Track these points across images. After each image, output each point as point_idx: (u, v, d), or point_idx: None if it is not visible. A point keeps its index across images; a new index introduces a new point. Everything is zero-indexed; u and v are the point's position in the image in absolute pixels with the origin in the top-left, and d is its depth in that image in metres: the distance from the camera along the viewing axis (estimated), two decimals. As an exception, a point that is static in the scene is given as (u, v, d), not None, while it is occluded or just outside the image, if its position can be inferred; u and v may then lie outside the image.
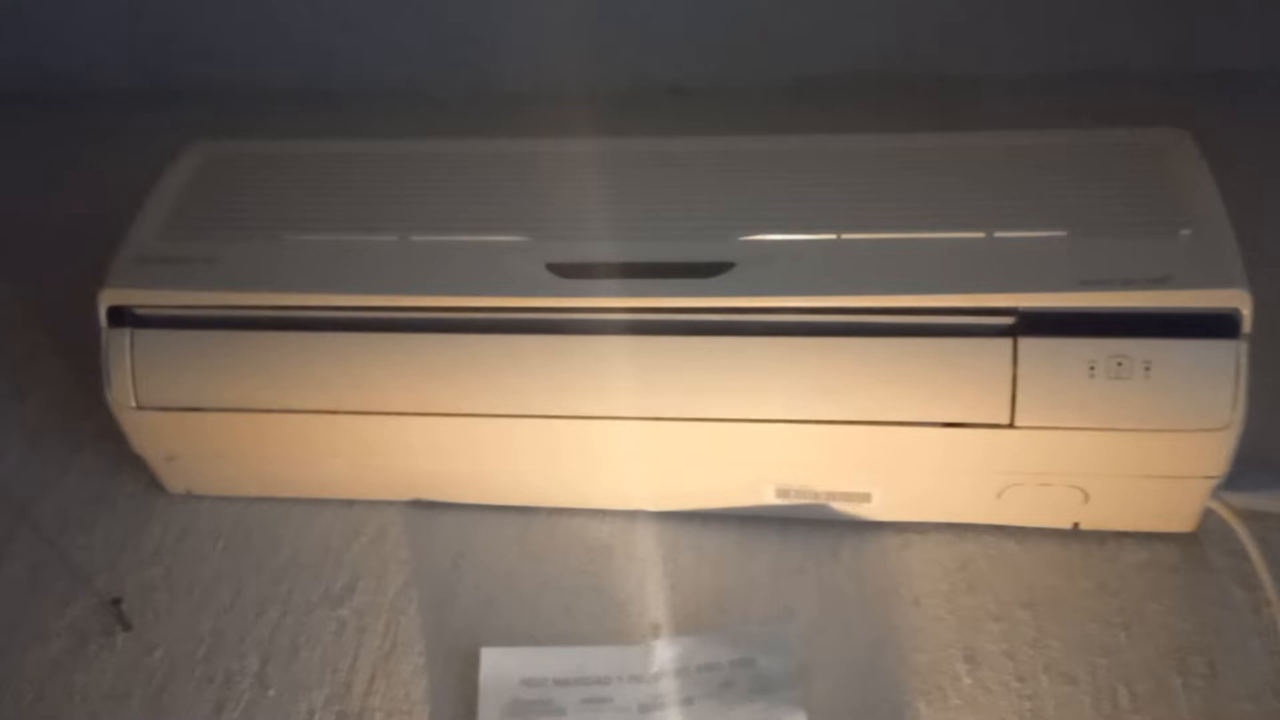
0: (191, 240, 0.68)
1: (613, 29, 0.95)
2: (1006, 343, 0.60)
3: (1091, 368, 0.59)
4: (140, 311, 0.66)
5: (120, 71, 1.05)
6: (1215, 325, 0.59)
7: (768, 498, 0.68)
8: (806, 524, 0.69)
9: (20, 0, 1.01)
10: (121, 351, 0.66)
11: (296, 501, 0.74)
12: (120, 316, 0.66)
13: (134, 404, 0.67)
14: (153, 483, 0.75)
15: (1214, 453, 0.61)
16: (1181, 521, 0.66)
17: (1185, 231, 0.61)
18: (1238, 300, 0.58)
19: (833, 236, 0.64)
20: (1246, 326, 0.59)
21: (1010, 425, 0.61)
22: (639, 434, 0.64)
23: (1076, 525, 0.67)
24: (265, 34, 1.01)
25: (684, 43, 0.96)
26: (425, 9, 0.97)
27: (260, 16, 1.00)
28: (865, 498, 0.67)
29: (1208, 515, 0.66)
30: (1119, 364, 0.59)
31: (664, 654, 0.64)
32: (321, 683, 0.65)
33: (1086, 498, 0.65)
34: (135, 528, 0.73)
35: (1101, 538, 0.68)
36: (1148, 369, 0.59)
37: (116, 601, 0.69)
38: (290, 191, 0.71)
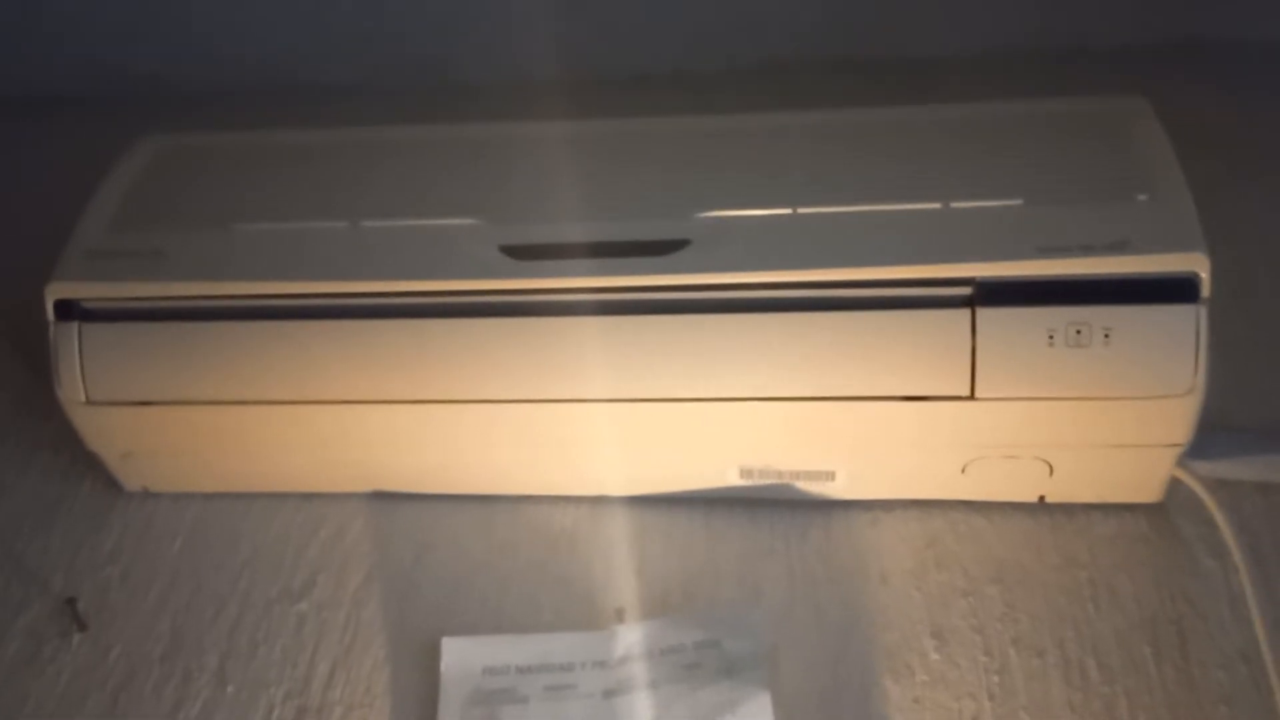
0: (140, 233, 0.67)
1: (573, 18, 0.94)
2: (965, 313, 0.59)
3: (1050, 336, 0.59)
4: (88, 305, 0.65)
5: (77, 75, 1.03)
6: (1175, 290, 0.58)
7: (732, 479, 0.67)
8: (774, 505, 0.69)
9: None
10: (69, 346, 0.65)
11: (255, 497, 0.73)
12: (68, 310, 0.65)
13: (84, 399, 0.66)
14: (111, 482, 0.74)
15: (1177, 420, 0.60)
16: (1148, 491, 0.66)
17: (1142, 196, 0.61)
18: (1196, 264, 0.58)
19: (788, 211, 0.63)
20: (1206, 290, 0.58)
21: (971, 397, 0.60)
22: (598, 415, 0.63)
23: (1043, 498, 0.67)
24: (223, 33, 1.00)
25: (645, 30, 0.96)
26: (383, 2, 0.96)
27: (218, 16, 0.99)
28: (830, 476, 0.67)
29: (1174, 485, 0.65)
30: (1078, 332, 0.58)
31: (628, 638, 0.63)
32: (281, 678, 0.64)
33: (1051, 470, 0.64)
34: (92, 528, 0.72)
35: (1069, 510, 0.67)
36: (1107, 336, 0.58)
37: (71, 601, 0.68)
38: (240, 182, 0.70)
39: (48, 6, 0.98)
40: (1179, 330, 0.58)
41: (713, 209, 0.64)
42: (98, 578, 0.70)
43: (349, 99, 0.95)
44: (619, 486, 0.70)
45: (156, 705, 0.64)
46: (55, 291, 0.65)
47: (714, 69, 0.96)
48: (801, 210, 0.63)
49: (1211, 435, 0.63)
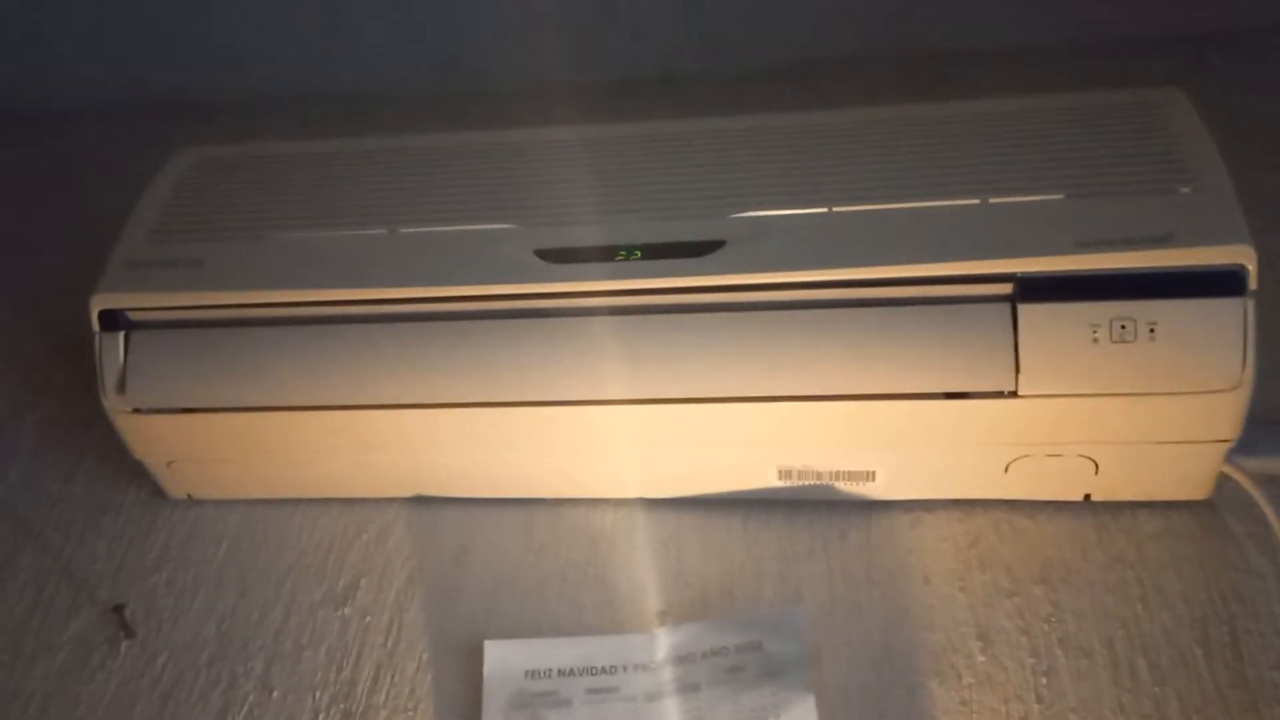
0: (182, 242, 0.68)
1: (599, 19, 0.95)
2: (1006, 309, 0.59)
3: (1095, 331, 0.58)
4: (132, 314, 0.66)
5: (113, 88, 1.05)
6: (1221, 283, 0.57)
7: (770, 480, 0.67)
8: (813, 506, 0.68)
9: (13, 22, 1.01)
10: (114, 355, 0.66)
11: (298, 503, 0.73)
12: (113, 320, 0.66)
13: (129, 408, 0.67)
14: (155, 490, 0.75)
15: (1225, 415, 0.59)
16: (1195, 488, 0.65)
17: (1185, 189, 0.60)
18: (1243, 256, 0.57)
19: (824, 210, 0.63)
20: (1253, 283, 0.57)
21: (1014, 394, 0.59)
22: (637, 417, 0.63)
23: (1088, 497, 0.66)
24: (254, 44, 1.01)
25: (673, 30, 0.96)
26: (410, 10, 0.97)
27: (247, 27, 1.00)
28: (869, 476, 0.66)
29: (1222, 481, 0.64)
30: (1123, 326, 0.58)
31: (669, 641, 0.63)
32: (326, 682, 0.65)
33: (1096, 468, 0.63)
34: (138, 535, 0.73)
35: (1114, 509, 0.66)
36: (1153, 330, 0.57)
37: (119, 608, 0.68)
38: (278, 191, 0.71)
39: (78, 22, 1.00)
40: (1226, 324, 0.57)
41: (747, 209, 0.64)
42: (144, 585, 0.71)
43: (376, 107, 0.96)
44: (656, 489, 0.70)
45: (204, 710, 0.64)
46: (100, 302, 0.66)
47: (741, 69, 0.96)
48: (837, 209, 0.63)
49: (1260, 430, 0.61)
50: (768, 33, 0.95)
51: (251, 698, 0.64)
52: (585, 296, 0.62)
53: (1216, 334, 0.57)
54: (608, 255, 0.63)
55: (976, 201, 0.61)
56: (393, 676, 0.64)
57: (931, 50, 0.93)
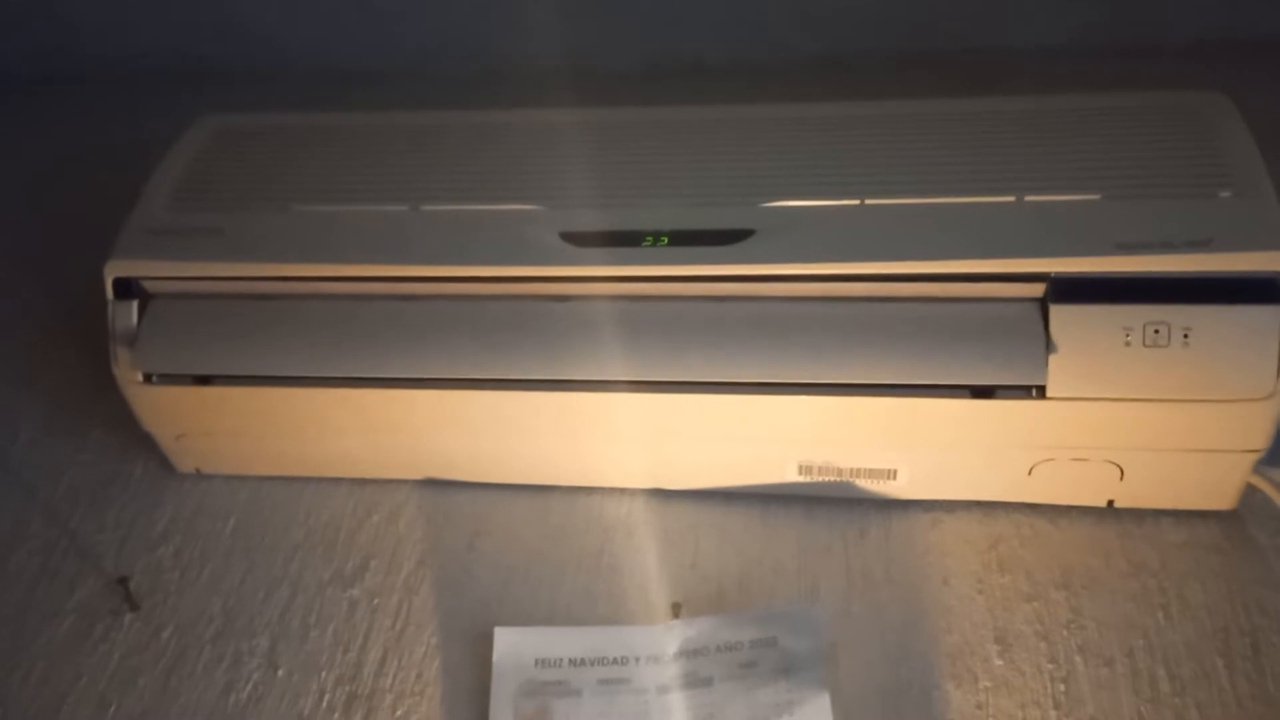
0: (199, 212, 0.67)
1: (632, 4, 0.94)
2: (1037, 309, 0.58)
3: (1127, 335, 0.57)
4: (147, 283, 0.65)
5: (141, 55, 1.04)
6: (1257, 290, 0.56)
7: (790, 475, 0.66)
8: (833, 503, 0.67)
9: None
10: (127, 323, 0.65)
11: (308, 481, 0.72)
12: (127, 288, 0.65)
13: (140, 378, 0.66)
14: (164, 463, 0.74)
15: (1256, 425, 0.58)
16: (1222, 498, 0.64)
17: (1225, 193, 0.59)
18: (1281, 263, 0.56)
19: (856, 202, 0.62)
20: (1291, 292, 0.56)
21: (1041, 396, 0.58)
22: (657, 405, 0.62)
23: (1111, 503, 0.65)
24: (286, 15, 1.00)
25: (705, 17, 0.95)
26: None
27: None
28: (891, 475, 0.65)
29: (1249, 492, 0.63)
30: (1156, 331, 0.57)
31: (683, 634, 0.62)
32: (332, 663, 0.64)
33: (1122, 474, 0.63)
34: (146, 508, 0.72)
35: (1138, 516, 0.65)
36: (1186, 336, 0.57)
37: (123, 581, 0.68)
38: (299, 163, 0.70)
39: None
40: (1261, 332, 0.56)
41: (778, 199, 0.63)
42: (150, 558, 0.70)
43: (404, 86, 0.94)
44: (675, 480, 0.69)
45: (208, 686, 0.63)
46: (114, 270, 0.65)
47: (773, 60, 0.95)
48: (870, 201, 0.62)
49: (1290, 442, 0.61)
50: (802, 23, 0.94)
51: (256, 675, 0.64)
52: (609, 281, 0.61)
53: (1251, 342, 0.56)
54: (634, 240, 0.62)
55: (1012, 199, 0.60)
56: (400, 660, 0.63)
57: (970, 48, 0.92)
